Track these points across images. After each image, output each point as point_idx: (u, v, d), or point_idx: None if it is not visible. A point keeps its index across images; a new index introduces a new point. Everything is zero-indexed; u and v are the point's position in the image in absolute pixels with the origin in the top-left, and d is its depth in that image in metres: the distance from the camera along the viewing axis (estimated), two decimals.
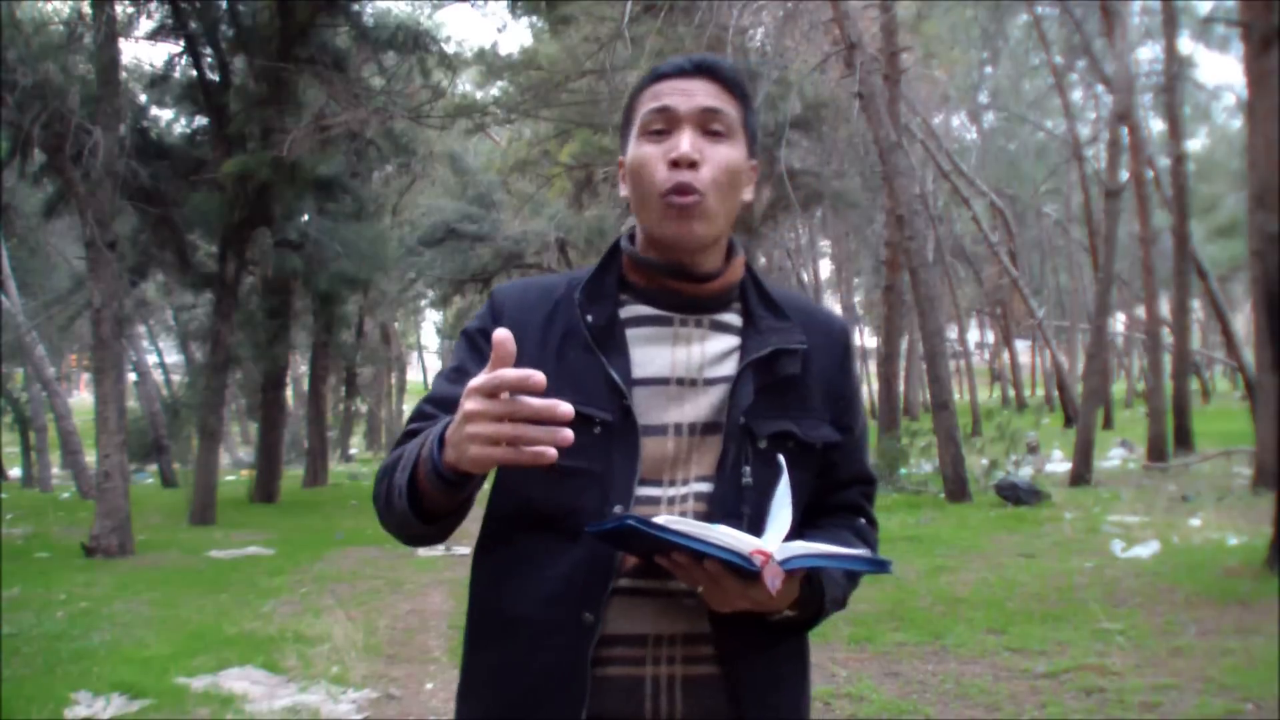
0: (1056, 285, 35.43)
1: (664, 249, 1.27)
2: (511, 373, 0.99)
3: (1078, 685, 4.41)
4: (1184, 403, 16.06)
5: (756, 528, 1.19)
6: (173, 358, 27.87)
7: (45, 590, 7.70)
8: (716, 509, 1.21)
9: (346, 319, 20.04)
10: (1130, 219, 18.63)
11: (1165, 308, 18.97)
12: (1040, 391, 42.23)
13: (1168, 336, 18.72)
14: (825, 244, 34.40)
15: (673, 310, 1.28)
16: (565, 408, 0.99)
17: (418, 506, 1.16)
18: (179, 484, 18.32)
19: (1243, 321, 31.18)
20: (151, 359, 25.01)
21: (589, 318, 1.25)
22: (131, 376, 19.32)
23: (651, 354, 1.26)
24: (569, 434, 0.99)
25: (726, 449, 1.23)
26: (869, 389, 42.52)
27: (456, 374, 1.28)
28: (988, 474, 11.95)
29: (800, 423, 1.28)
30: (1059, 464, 14.76)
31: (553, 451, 0.99)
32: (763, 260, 20.36)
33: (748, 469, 1.23)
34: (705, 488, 1.23)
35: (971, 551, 8.07)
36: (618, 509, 1.19)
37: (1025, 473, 12.19)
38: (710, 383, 1.26)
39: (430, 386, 1.33)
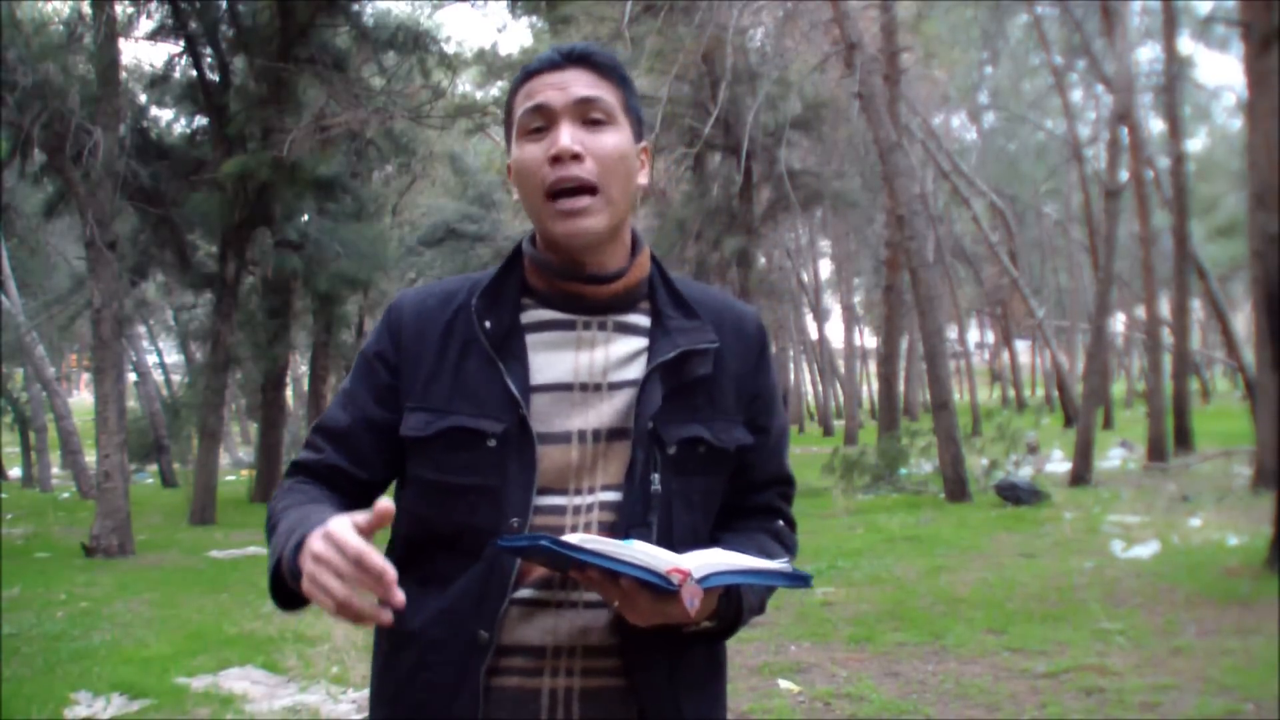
0: (1056, 285, 35.42)
1: (559, 248, 1.22)
2: (373, 560, 0.97)
3: (1078, 685, 4.41)
4: (1184, 403, 16.05)
5: (666, 536, 1.17)
6: (173, 358, 27.89)
7: (45, 590, 7.71)
8: (624, 518, 1.18)
9: (346, 319, 20.04)
10: (1130, 219, 18.62)
11: (1165, 308, 18.96)
12: (1040, 391, 42.26)
13: (1168, 336, 18.72)
14: (825, 244, 34.39)
15: (575, 313, 1.24)
16: (398, 598, 0.99)
17: (281, 593, 1.15)
18: (179, 484, 18.34)
19: (1243, 321, 31.16)
20: (151, 359, 25.02)
21: (487, 324, 1.21)
22: (131, 376, 19.34)
23: (553, 359, 1.22)
24: (388, 617, 0.99)
25: (635, 456, 1.19)
26: (868, 389, 42.60)
27: (347, 399, 1.27)
28: (988, 474, 11.94)
29: (711, 425, 1.24)
30: (1059, 464, 14.75)
31: (373, 624, 1.00)
32: (763, 260, 20.36)
33: (656, 476, 1.19)
34: (612, 496, 1.19)
35: (971, 551, 8.07)
36: (515, 522, 1.16)
37: (1025, 473, 12.18)
38: (615, 387, 1.22)
39: (329, 404, 1.31)
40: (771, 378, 1.34)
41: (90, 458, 14.41)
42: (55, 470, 22.39)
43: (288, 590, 1.12)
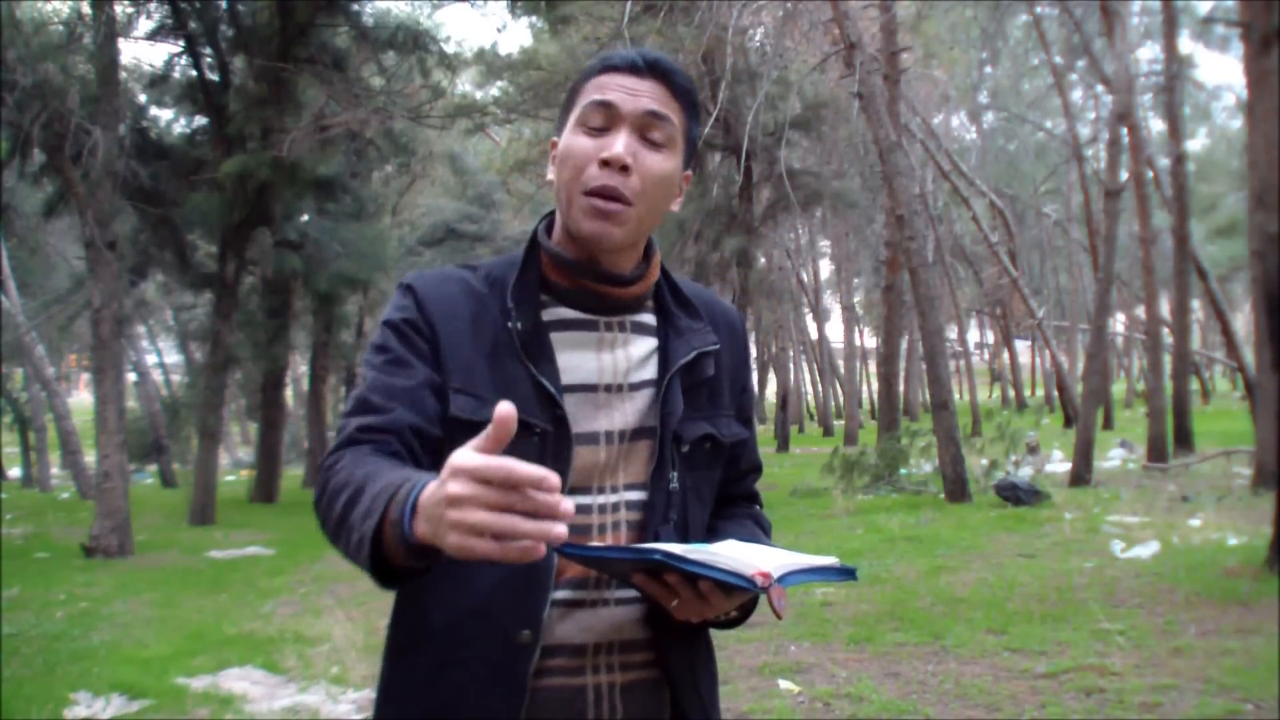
0: (1056, 285, 35.41)
1: (580, 244, 1.22)
2: (526, 470, 0.83)
3: (1078, 685, 4.41)
4: (1184, 403, 16.04)
5: (682, 532, 1.22)
6: (173, 358, 27.88)
7: (45, 590, 7.71)
8: (650, 517, 1.21)
9: (346, 319, 20.05)
10: (1130, 219, 18.62)
11: (1165, 308, 18.96)
12: (1040, 391, 42.23)
13: (1168, 336, 18.71)
14: (825, 244, 34.38)
15: (595, 313, 1.25)
16: (568, 505, 0.84)
17: (380, 564, 0.98)
18: (179, 484, 18.34)
19: (1243, 321, 31.17)
20: (151, 359, 25.02)
21: (518, 325, 1.20)
22: (131, 376, 19.33)
23: (578, 360, 1.22)
24: (564, 530, 0.84)
25: (663, 456, 1.22)
26: (868, 389, 42.57)
27: (395, 365, 1.17)
28: (988, 474, 11.93)
29: (716, 423, 1.29)
30: (1059, 464, 14.74)
31: (541, 549, 0.84)
32: (762, 260, 20.37)
33: (674, 474, 1.23)
34: (638, 495, 1.22)
35: (971, 551, 8.06)
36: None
37: (1025, 473, 12.17)
38: (635, 388, 1.24)
39: (364, 376, 1.20)
40: (751, 371, 1.40)
41: (90, 458, 14.41)
42: (55, 470, 22.39)
43: (390, 566, 0.98)
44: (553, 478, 0.83)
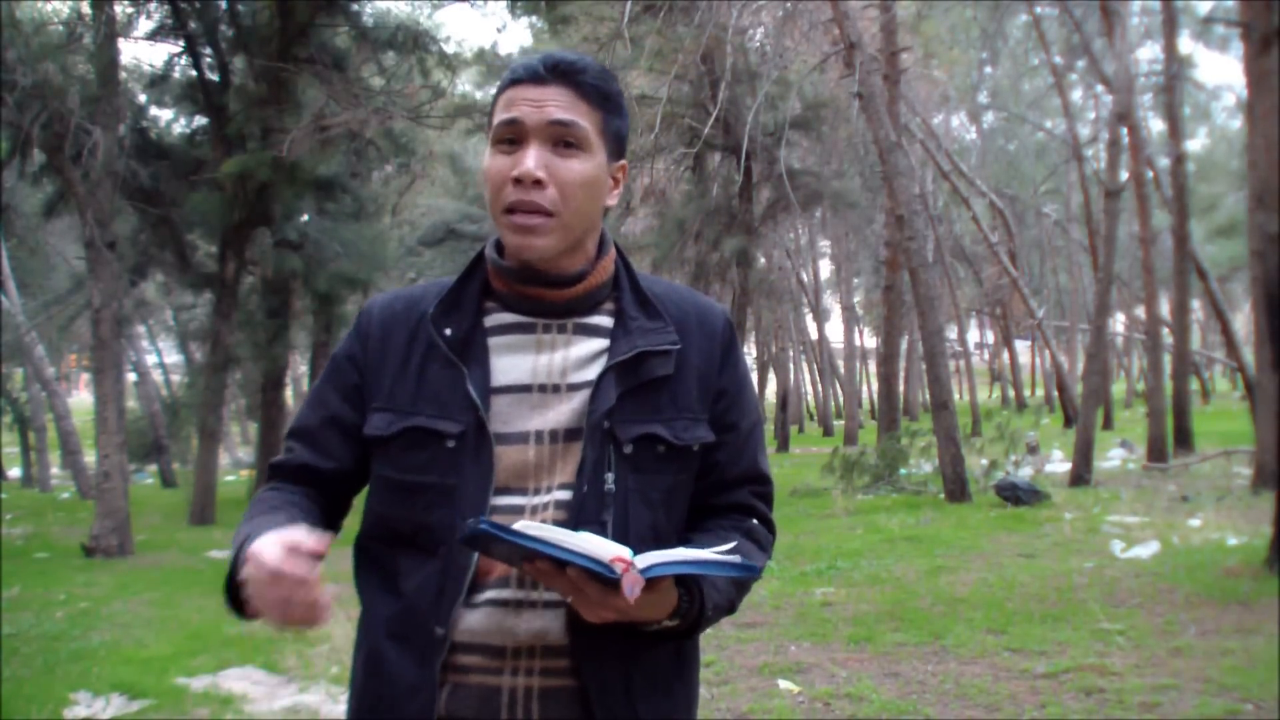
0: (1056, 285, 35.39)
1: (514, 258, 1.26)
2: (291, 571, 1.05)
3: (1078, 685, 4.41)
4: (1184, 403, 16.04)
5: (622, 534, 1.18)
6: (173, 358, 27.87)
7: (45, 590, 7.71)
8: (576, 515, 1.19)
9: (346, 319, 20.00)
10: (1130, 219, 18.62)
11: (1165, 308, 18.96)
12: (1040, 391, 42.23)
13: (1168, 336, 18.71)
14: (825, 244, 34.36)
15: (536, 316, 1.26)
16: (322, 599, 1.07)
17: (235, 600, 1.19)
18: (179, 484, 18.33)
19: (1243, 321, 31.17)
20: (151, 359, 25.01)
21: (446, 331, 1.24)
22: (131, 376, 19.33)
23: (514, 361, 1.24)
24: (323, 617, 1.07)
25: (586, 454, 1.20)
26: (868, 389, 42.58)
27: (316, 399, 1.32)
28: (987, 474, 11.93)
29: (671, 425, 1.24)
30: (1059, 464, 14.74)
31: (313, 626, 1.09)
32: (762, 260, 20.36)
33: (610, 475, 1.20)
34: (566, 495, 1.20)
35: (971, 551, 8.06)
36: (470, 521, 1.17)
37: (1025, 473, 12.17)
38: (574, 388, 1.23)
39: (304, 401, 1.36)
40: (739, 374, 1.34)
41: (90, 458, 14.41)
42: (55, 470, 22.39)
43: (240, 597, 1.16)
44: (309, 579, 1.06)
